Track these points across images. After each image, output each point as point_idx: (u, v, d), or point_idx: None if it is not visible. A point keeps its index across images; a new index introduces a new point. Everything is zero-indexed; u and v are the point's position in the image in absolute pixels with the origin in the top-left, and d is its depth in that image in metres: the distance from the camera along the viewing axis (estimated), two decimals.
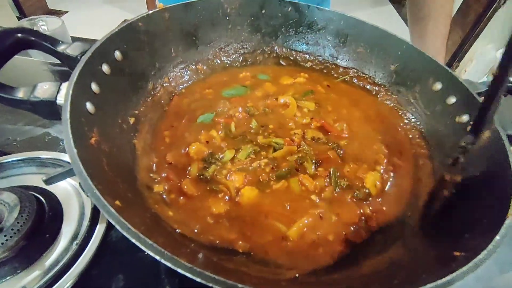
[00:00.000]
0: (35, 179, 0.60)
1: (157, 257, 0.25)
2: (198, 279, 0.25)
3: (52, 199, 0.57)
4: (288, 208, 0.47)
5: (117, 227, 0.27)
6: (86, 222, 0.54)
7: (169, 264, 0.25)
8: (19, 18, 2.85)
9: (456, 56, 2.85)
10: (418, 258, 0.38)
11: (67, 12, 3.38)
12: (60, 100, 0.38)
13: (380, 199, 0.51)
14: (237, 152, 0.53)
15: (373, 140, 0.59)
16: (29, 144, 0.68)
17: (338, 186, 0.50)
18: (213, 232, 0.43)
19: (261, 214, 0.46)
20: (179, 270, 0.25)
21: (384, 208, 0.50)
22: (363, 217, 0.48)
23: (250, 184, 0.49)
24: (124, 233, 0.26)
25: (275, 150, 0.54)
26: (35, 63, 0.93)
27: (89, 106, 0.41)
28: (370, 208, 0.49)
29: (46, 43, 0.45)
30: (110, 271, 0.51)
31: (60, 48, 0.46)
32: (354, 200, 0.49)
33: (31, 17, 1.06)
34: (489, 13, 2.45)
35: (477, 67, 2.71)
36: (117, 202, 0.31)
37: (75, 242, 0.52)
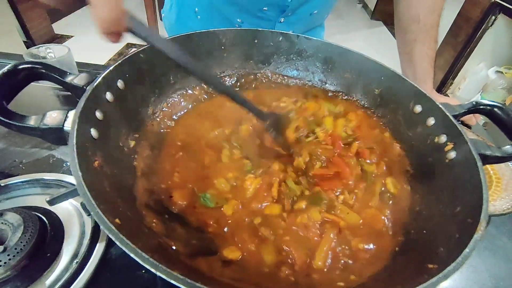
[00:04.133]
0: (39, 200, 0.63)
1: (153, 270, 0.28)
2: None
3: (54, 219, 0.60)
4: None
5: (117, 243, 0.30)
6: (86, 241, 0.57)
7: (163, 276, 0.28)
8: (25, 43, 2.95)
9: (450, 74, 2.94)
10: (396, 273, 0.40)
11: (72, 36, 3.51)
12: (67, 127, 0.42)
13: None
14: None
15: None
16: (34, 166, 0.71)
17: None
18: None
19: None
20: (173, 282, 0.28)
21: None
22: None
23: None
24: (124, 248, 0.29)
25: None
26: (42, 88, 0.99)
27: (93, 132, 0.45)
28: None
29: (55, 74, 0.50)
30: None
31: (68, 79, 0.50)
32: None
33: (39, 45, 1.12)
34: (478, 33, 2.55)
35: (470, 84, 2.79)
36: (116, 220, 0.34)
37: (75, 261, 0.54)
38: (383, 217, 0.53)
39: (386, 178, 0.58)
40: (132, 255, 0.29)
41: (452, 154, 0.53)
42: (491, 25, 2.49)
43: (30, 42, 3.04)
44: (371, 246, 0.48)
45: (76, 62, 1.09)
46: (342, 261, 0.46)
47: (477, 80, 2.70)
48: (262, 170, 0.57)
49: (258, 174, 0.56)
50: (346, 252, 0.47)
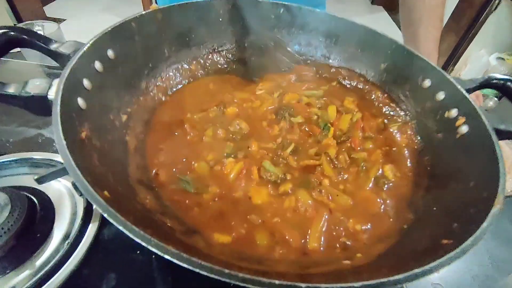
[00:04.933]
0: (28, 180, 0.60)
1: (144, 244, 0.25)
2: (185, 265, 0.24)
3: (44, 199, 0.57)
4: None
5: (105, 215, 0.27)
6: (78, 222, 0.54)
7: (155, 250, 0.25)
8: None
9: (451, 60, 2.90)
10: (408, 249, 0.38)
11: (64, 20, 3.40)
12: (51, 95, 0.39)
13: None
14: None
15: None
16: (22, 145, 0.68)
17: None
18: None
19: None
20: (166, 256, 0.25)
21: None
22: None
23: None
24: (112, 221, 0.26)
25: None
26: (29, 65, 0.94)
27: (80, 101, 0.41)
28: None
29: (39, 41, 0.46)
30: (101, 270, 0.50)
31: (53, 46, 0.47)
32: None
33: (27, 22, 1.07)
34: (481, 18, 2.50)
35: (471, 71, 2.75)
36: (105, 193, 0.31)
37: (66, 242, 0.52)
38: (379, 199, 0.50)
39: (385, 165, 0.56)
40: (121, 227, 0.26)
41: (464, 129, 0.50)
42: (494, 9, 2.44)
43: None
44: (369, 226, 0.46)
45: None
46: (342, 241, 0.44)
47: (478, 67, 2.67)
48: (244, 153, 0.53)
49: (240, 157, 0.53)
50: (342, 232, 0.45)
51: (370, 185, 0.53)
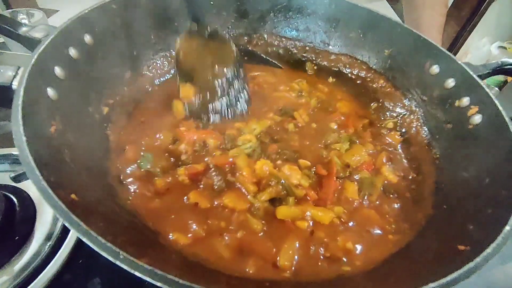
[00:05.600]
0: (7, 177, 0.56)
1: (111, 259, 0.22)
2: (159, 284, 0.21)
3: (25, 198, 0.53)
4: None
5: (65, 223, 0.23)
6: (61, 222, 0.51)
7: (124, 267, 0.21)
8: None
9: (452, 49, 2.84)
10: (417, 254, 0.34)
11: (57, 10, 3.32)
12: (15, 85, 0.34)
13: None
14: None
15: None
16: (2, 141, 0.64)
17: None
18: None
19: None
20: (137, 274, 0.21)
21: None
22: None
23: None
24: (73, 229, 0.22)
25: None
26: (13, 56, 0.89)
27: (50, 91, 0.37)
28: None
29: (6, 25, 0.41)
30: (85, 274, 0.47)
31: (22, 30, 0.42)
32: None
33: (12, 9, 1.02)
34: (483, 6, 2.44)
35: (472, 60, 2.68)
36: (73, 196, 0.27)
37: (48, 243, 0.48)
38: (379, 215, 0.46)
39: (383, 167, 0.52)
40: (84, 238, 0.22)
41: (477, 119, 0.46)
42: None
43: None
44: (361, 246, 0.41)
45: None
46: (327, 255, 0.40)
47: (480, 56, 2.62)
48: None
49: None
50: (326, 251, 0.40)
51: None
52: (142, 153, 0.46)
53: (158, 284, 0.20)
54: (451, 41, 2.80)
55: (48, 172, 0.26)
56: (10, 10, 1.00)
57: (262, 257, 0.37)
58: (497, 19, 2.55)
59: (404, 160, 0.55)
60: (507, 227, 0.28)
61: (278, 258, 0.37)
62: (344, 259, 0.39)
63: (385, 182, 0.50)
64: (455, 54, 2.83)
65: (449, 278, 0.24)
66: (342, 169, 0.49)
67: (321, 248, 0.39)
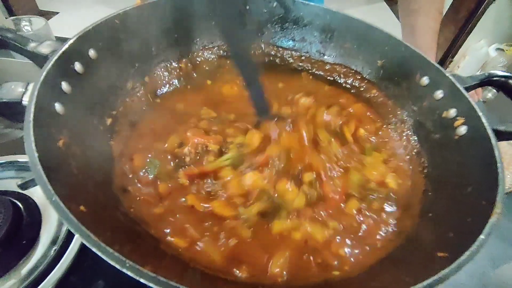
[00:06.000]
0: (13, 184, 0.58)
1: (118, 267, 0.24)
2: None
3: (30, 204, 0.56)
4: None
5: (76, 234, 0.25)
6: (65, 227, 0.53)
7: (130, 274, 0.23)
8: None
9: (449, 52, 2.85)
10: (402, 260, 0.36)
11: (58, 13, 3.33)
12: (26, 101, 0.37)
13: None
14: None
15: None
16: (8, 148, 0.66)
17: None
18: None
19: None
20: (142, 280, 0.23)
21: None
22: None
23: None
24: (84, 241, 0.25)
25: None
26: (17, 64, 0.91)
27: (58, 107, 0.39)
28: None
29: (14, 42, 0.43)
30: (90, 277, 0.50)
31: (30, 46, 0.44)
32: None
33: (15, 17, 1.04)
34: (481, 9, 2.45)
35: (470, 62, 2.72)
36: (82, 207, 0.29)
37: (53, 248, 0.51)
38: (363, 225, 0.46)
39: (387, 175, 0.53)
40: (94, 249, 0.24)
41: (463, 130, 0.48)
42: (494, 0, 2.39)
43: None
44: (355, 251, 0.42)
45: (57, 37, 1.01)
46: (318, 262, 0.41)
47: (477, 58, 2.64)
48: None
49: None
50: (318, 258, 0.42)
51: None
52: (148, 160, 0.48)
53: None
54: (449, 44, 2.82)
55: (60, 185, 0.29)
56: (14, 17, 1.02)
57: (254, 264, 0.39)
58: (495, 21, 2.56)
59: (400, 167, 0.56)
60: (482, 236, 0.30)
61: (270, 265, 0.39)
62: (336, 263, 0.40)
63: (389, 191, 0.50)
64: (452, 56, 2.84)
65: (424, 282, 0.26)
66: (357, 188, 0.48)
67: (312, 256, 0.41)
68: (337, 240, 0.43)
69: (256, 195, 0.45)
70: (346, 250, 0.42)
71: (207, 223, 0.43)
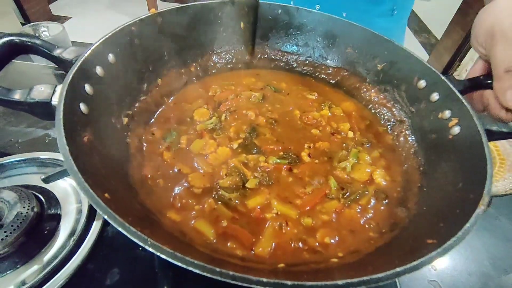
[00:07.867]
0: (35, 179, 0.63)
1: (141, 244, 0.27)
2: (180, 264, 0.26)
3: (51, 197, 0.60)
4: None
5: (105, 217, 0.29)
6: (83, 219, 0.57)
7: (152, 250, 0.27)
8: (23, 24, 2.90)
9: (457, 55, 2.85)
10: (395, 249, 0.39)
11: (70, 18, 3.43)
12: (55, 101, 0.41)
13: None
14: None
15: None
16: (30, 145, 0.71)
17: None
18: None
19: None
20: (163, 256, 0.27)
21: None
22: None
23: None
24: (111, 222, 0.28)
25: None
26: (36, 67, 0.97)
27: (82, 107, 0.43)
28: None
29: (43, 48, 0.48)
30: (106, 265, 0.53)
31: (56, 52, 0.48)
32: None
33: (34, 23, 1.09)
34: None
35: None
36: (106, 195, 0.33)
37: (72, 238, 0.54)
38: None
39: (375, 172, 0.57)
40: (120, 229, 0.28)
41: (456, 130, 0.51)
42: None
43: (27, 23, 2.98)
44: (337, 238, 0.46)
45: (72, 42, 1.06)
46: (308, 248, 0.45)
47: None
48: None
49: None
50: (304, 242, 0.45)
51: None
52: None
53: (179, 264, 0.26)
54: (457, 47, 2.81)
55: (87, 175, 0.32)
56: (32, 24, 1.07)
57: (242, 244, 0.43)
58: None
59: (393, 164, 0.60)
60: (468, 224, 0.33)
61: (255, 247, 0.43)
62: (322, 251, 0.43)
63: (377, 188, 0.54)
64: (460, 60, 2.84)
65: (412, 264, 0.29)
66: (336, 191, 0.52)
67: (300, 243, 0.44)
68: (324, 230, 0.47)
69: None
70: (332, 238, 0.45)
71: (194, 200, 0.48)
